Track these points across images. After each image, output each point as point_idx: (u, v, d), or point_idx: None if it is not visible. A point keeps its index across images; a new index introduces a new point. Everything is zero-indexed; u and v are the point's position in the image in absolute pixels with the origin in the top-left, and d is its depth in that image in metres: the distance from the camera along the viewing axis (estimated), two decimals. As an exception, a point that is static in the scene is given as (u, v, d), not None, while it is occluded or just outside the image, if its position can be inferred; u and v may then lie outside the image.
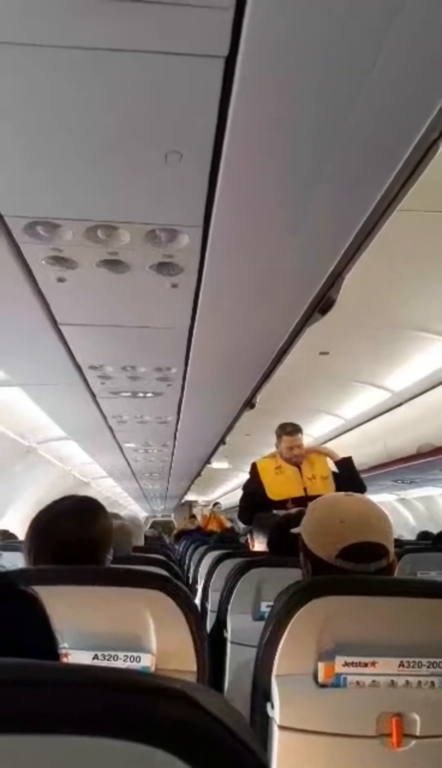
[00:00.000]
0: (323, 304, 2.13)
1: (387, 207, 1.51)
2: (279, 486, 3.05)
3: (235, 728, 0.35)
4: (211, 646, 1.22)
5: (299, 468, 3.11)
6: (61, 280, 1.84)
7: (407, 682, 1.04)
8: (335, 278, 1.95)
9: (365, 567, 1.14)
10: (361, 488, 2.95)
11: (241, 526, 9.37)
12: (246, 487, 3.28)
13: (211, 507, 10.73)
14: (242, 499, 3.28)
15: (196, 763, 0.34)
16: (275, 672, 1.05)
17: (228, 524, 8.09)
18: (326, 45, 0.95)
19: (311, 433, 5.10)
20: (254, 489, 3.14)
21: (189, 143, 1.19)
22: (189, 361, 2.82)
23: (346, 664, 1.04)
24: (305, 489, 3.01)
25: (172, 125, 1.14)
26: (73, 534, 1.21)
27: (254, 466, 3.22)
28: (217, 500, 11.83)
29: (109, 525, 1.31)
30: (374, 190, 1.40)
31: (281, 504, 2.94)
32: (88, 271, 1.78)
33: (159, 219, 1.51)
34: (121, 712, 0.34)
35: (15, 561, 2.37)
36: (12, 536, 4.04)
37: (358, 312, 2.79)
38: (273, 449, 3.31)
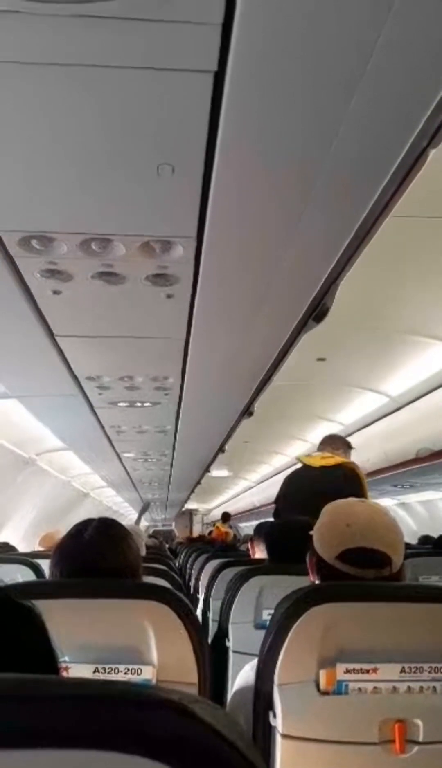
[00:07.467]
0: (318, 312, 2.14)
1: (380, 214, 1.52)
2: None
3: (233, 740, 0.36)
4: (213, 656, 1.21)
5: None
6: (56, 292, 1.84)
7: (409, 688, 1.04)
8: (330, 285, 1.96)
9: (363, 573, 1.14)
10: None
11: (241, 533, 9.35)
12: None
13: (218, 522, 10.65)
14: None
15: (195, 775, 0.34)
16: (276, 680, 1.05)
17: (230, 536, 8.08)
18: (313, 58, 0.97)
19: (311, 440, 5.10)
20: None
21: (180, 156, 1.20)
22: (186, 371, 2.83)
23: (347, 671, 1.04)
24: None
25: (163, 139, 1.15)
26: (112, 566, 1.18)
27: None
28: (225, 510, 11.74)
29: (137, 546, 1.30)
30: (366, 197, 1.41)
31: None
32: (83, 284, 1.79)
33: (153, 230, 1.52)
34: (119, 725, 0.35)
35: (14, 574, 2.36)
36: (12, 549, 4.02)
37: (354, 318, 2.80)
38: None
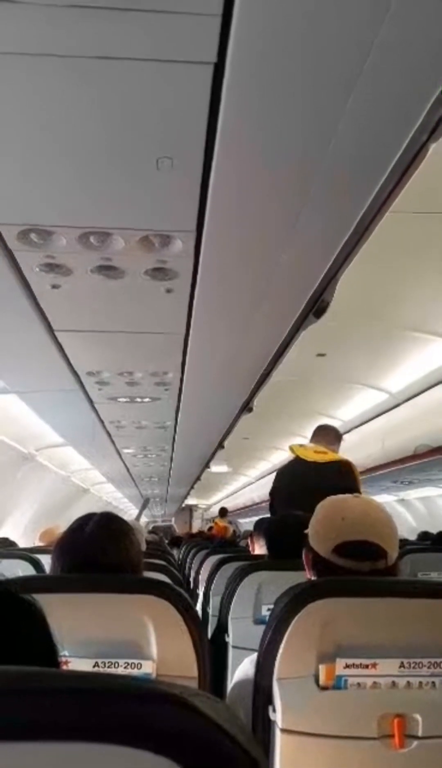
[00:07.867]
0: (317, 307, 2.14)
1: (379, 209, 1.52)
2: None
3: (234, 733, 0.36)
4: (212, 651, 1.22)
5: None
6: (55, 286, 1.84)
7: (408, 683, 1.04)
8: (329, 281, 1.96)
9: (358, 565, 1.14)
10: None
11: (241, 529, 9.37)
12: None
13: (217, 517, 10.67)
14: None
15: (196, 768, 0.34)
16: (276, 675, 1.05)
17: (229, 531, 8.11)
18: (313, 51, 0.96)
19: (310, 435, 5.11)
20: None
21: (180, 149, 1.20)
22: (186, 366, 2.83)
23: (347, 666, 1.04)
24: None
25: (162, 131, 1.15)
26: (113, 561, 1.18)
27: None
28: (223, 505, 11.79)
29: (138, 540, 1.30)
30: (365, 192, 1.41)
31: None
32: (82, 278, 1.78)
33: (152, 224, 1.52)
34: (120, 718, 0.35)
35: (14, 569, 2.36)
36: (12, 544, 4.03)
37: (354, 314, 2.80)
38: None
